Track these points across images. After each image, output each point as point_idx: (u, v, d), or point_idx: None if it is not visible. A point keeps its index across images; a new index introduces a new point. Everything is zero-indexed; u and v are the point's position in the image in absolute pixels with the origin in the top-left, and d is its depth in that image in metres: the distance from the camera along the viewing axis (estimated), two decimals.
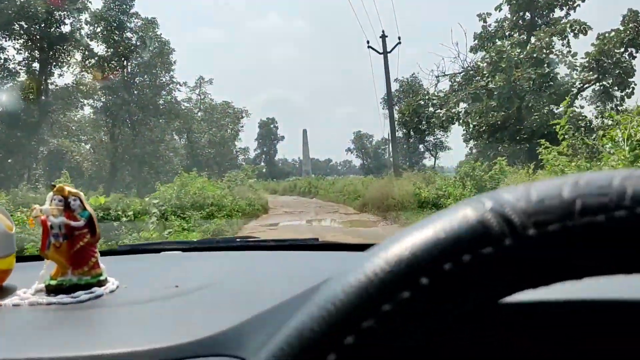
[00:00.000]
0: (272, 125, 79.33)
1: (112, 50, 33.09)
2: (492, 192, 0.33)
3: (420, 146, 52.67)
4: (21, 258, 1.14)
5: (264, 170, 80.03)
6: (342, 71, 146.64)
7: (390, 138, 23.11)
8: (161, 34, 35.18)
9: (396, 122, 22.34)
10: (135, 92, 35.35)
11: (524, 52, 16.32)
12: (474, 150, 61.17)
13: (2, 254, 0.99)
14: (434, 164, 55.29)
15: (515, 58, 16.15)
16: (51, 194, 0.97)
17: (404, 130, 56.11)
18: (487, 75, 17.14)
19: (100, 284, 0.97)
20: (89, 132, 35.63)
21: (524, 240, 0.30)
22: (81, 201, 0.98)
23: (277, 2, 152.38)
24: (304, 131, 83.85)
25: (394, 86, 55.70)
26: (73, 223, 0.96)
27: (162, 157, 37.74)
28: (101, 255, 1.06)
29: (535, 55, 16.07)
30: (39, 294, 0.94)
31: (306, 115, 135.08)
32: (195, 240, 2.08)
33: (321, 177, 48.02)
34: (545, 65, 16.58)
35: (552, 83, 16.72)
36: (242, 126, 48.13)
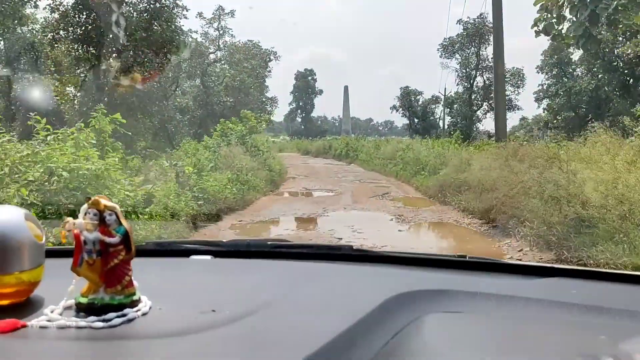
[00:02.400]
0: (309, 78, 69.31)
1: None
2: None
3: (485, 105, 41.89)
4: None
5: (302, 127, 70.83)
6: (387, 29, 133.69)
7: (495, 71, 12.73)
8: None
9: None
10: (122, 14, 25.96)
11: None
12: (545, 113, 49.75)
13: (31, 266, 0.92)
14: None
15: None
16: (85, 206, 0.90)
17: (465, 84, 45.16)
18: None
19: (133, 304, 0.91)
20: (66, 66, 26.62)
21: None
22: (117, 215, 0.90)
23: None
24: (345, 88, 74.52)
25: (456, 29, 43.67)
26: (108, 239, 0.90)
27: (160, 104, 28.70)
28: None
29: None
30: (67, 312, 0.89)
31: (348, 73, 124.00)
32: (224, 242, 1.75)
33: (361, 137, 38.20)
34: None
35: None
36: (270, 71, 38.48)
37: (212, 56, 35.89)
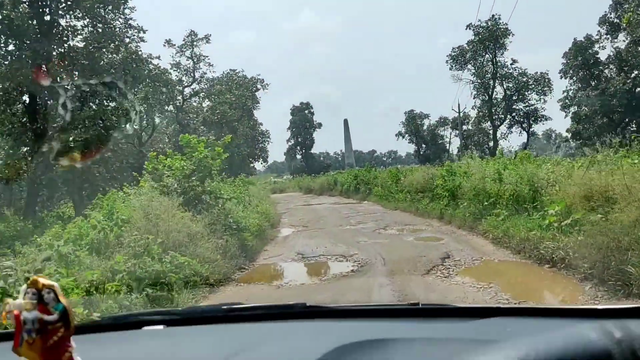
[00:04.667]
0: (306, 111, 63.59)
1: None
2: (620, 322, 0.28)
3: (508, 118, 35.13)
4: None
5: (303, 164, 64.72)
6: (381, 59, 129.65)
7: None
8: None
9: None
10: (60, 38, 19.96)
11: None
12: (572, 122, 43.04)
13: None
14: (527, 142, 37.54)
15: None
16: (25, 286, 0.91)
17: (483, 97, 38.56)
18: None
19: None
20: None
21: None
22: (55, 293, 0.90)
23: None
24: (345, 121, 68.97)
25: (467, 35, 36.50)
26: (47, 317, 0.89)
27: (127, 153, 22.66)
28: (81, 331, 1.05)
29: None
30: None
31: (346, 107, 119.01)
32: (179, 309, 1.86)
33: (372, 167, 31.72)
34: None
35: None
36: (258, 102, 32.48)
37: (187, 90, 29.94)
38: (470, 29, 34.19)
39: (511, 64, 34.67)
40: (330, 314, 1.49)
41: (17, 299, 0.88)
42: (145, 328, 1.40)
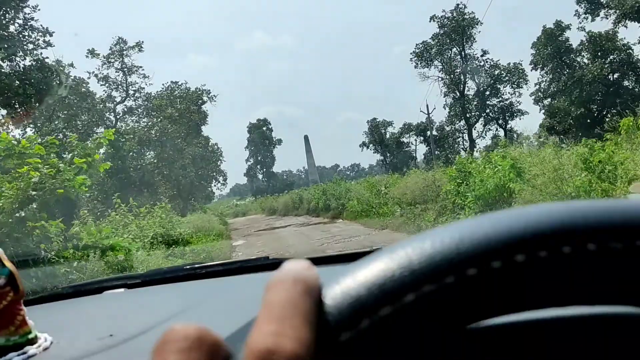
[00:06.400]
0: (264, 128, 59.54)
1: None
2: None
3: (483, 115, 31.74)
4: None
5: (266, 184, 60.49)
6: (338, 72, 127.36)
7: None
8: None
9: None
10: None
11: None
12: (545, 116, 40.17)
13: None
14: (505, 137, 34.40)
15: None
16: None
17: (454, 94, 35.16)
18: None
19: (31, 342, 0.86)
20: None
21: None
22: (0, 259, 0.85)
23: (262, 20, 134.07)
24: (305, 137, 65.22)
25: (431, 27, 33.40)
26: None
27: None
28: (42, 301, 1.11)
29: None
30: None
31: (306, 124, 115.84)
32: (140, 273, 1.68)
33: (341, 179, 27.79)
34: None
35: None
36: (206, 116, 28.10)
37: (120, 107, 25.36)
38: (434, 20, 30.91)
39: (481, 56, 31.52)
40: None
41: None
42: (106, 292, 1.38)
